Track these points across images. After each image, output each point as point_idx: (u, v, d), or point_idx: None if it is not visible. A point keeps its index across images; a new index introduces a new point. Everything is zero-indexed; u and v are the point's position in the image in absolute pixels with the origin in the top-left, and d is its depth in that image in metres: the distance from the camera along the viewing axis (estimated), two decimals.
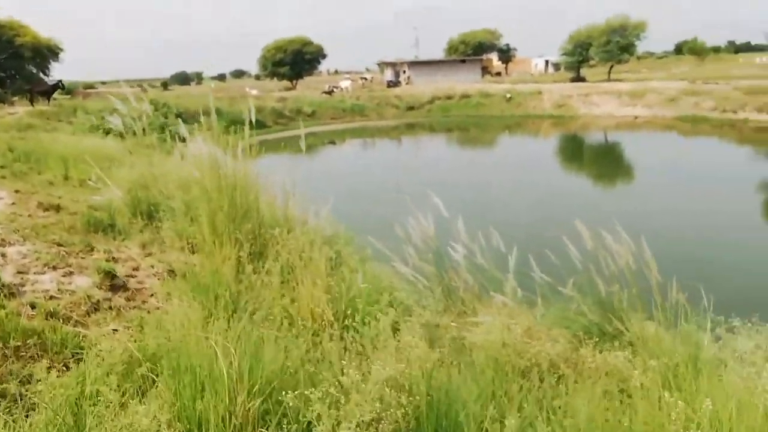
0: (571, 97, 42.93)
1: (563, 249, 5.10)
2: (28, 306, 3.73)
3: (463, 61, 68.74)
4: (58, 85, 28.38)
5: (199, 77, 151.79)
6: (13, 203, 7.26)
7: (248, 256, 4.54)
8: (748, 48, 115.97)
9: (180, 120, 25.81)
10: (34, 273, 4.33)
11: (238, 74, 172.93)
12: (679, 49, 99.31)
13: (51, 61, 35.36)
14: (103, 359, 2.90)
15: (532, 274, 5.30)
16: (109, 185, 7.60)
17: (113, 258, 4.94)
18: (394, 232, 5.45)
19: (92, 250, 5.15)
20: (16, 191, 8.28)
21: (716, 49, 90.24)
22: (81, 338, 3.42)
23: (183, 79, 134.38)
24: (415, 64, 66.12)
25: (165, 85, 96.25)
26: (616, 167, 27.51)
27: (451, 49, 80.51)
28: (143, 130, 8.13)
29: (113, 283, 4.30)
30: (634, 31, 49.69)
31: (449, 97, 45.08)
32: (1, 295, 3.76)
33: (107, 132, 20.65)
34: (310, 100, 41.49)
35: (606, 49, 49.77)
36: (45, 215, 6.90)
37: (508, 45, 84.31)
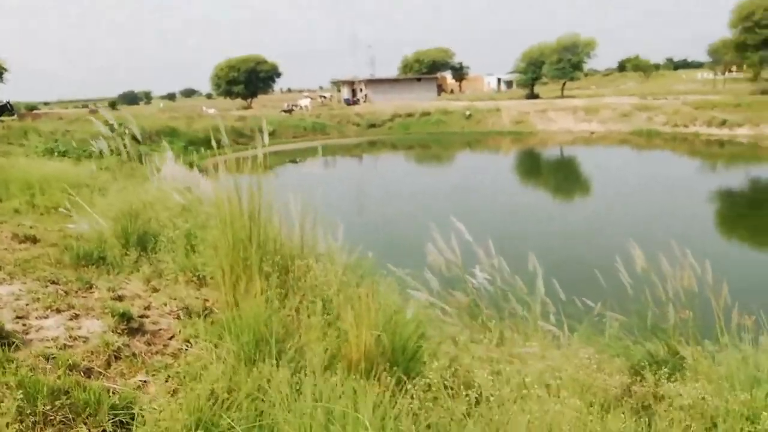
0: (528, 114, 43.82)
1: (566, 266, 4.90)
2: (41, 358, 3.22)
3: (419, 80, 69.50)
4: (6, 107, 26.90)
5: (147, 97, 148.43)
6: None
7: (276, 291, 4.13)
8: (685, 65, 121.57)
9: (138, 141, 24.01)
10: (36, 318, 3.81)
11: (189, 93, 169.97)
12: (622, 67, 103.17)
13: None
14: (157, 425, 2.46)
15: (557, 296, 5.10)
16: (90, 213, 7.03)
17: (118, 296, 4.43)
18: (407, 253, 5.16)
19: (91, 287, 4.63)
20: None
21: (656, 66, 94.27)
22: (114, 395, 2.95)
23: (131, 98, 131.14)
24: (371, 82, 66.43)
25: (113, 105, 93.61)
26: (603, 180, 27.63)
27: (406, 67, 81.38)
28: (127, 153, 7.56)
29: (128, 326, 3.82)
30: (584, 49, 51.32)
31: (410, 115, 45.31)
32: (5, 347, 3.24)
33: (63, 154, 19.67)
34: (270, 119, 40.87)
35: (558, 66, 51.21)
36: (22, 248, 6.28)
37: (461, 63, 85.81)
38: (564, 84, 53.92)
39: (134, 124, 7.62)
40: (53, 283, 4.61)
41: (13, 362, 3.08)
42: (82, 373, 3.17)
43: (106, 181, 11.21)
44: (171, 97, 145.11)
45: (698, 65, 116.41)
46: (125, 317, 3.79)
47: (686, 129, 37.13)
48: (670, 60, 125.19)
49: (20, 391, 2.68)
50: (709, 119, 36.48)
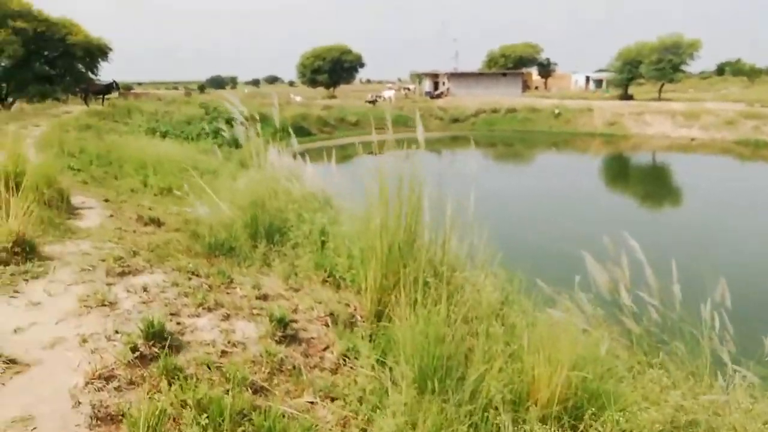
0: (622, 116, 41.63)
1: None
2: (205, 367, 2.94)
3: (504, 75, 67.79)
4: (113, 86, 28.08)
5: (233, 82, 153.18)
6: (111, 215, 6.57)
7: (435, 308, 3.70)
8: None
9: (231, 125, 24.40)
10: (188, 315, 3.56)
11: (272, 80, 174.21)
12: (721, 71, 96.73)
13: (100, 60, 35.30)
14: None
15: None
16: (206, 198, 6.88)
17: (263, 296, 4.15)
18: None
19: (232, 281, 4.37)
20: (106, 200, 7.63)
21: (760, 71, 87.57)
22: (291, 420, 2.62)
23: (218, 83, 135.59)
24: (454, 75, 65.37)
25: (202, 88, 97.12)
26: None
27: (491, 61, 79.59)
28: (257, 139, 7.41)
29: (284, 333, 3.50)
30: (687, 50, 48.17)
31: (495, 111, 44.13)
32: (170, 353, 2.98)
33: (164, 135, 20.21)
34: (354, 110, 40.90)
35: (658, 67, 48.30)
36: (148, 231, 6.20)
37: (548, 59, 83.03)
38: (662, 86, 50.89)
39: (276, 113, 7.46)
40: (194, 274, 4.40)
41: (180, 372, 2.80)
42: (249, 389, 2.85)
43: (216, 165, 11.21)
44: (255, 83, 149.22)
45: None
46: (282, 323, 3.47)
47: None
48: None
49: (204, 415, 2.37)
50: None
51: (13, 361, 2.82)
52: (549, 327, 3.25)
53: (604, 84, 75.87)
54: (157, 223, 6.58)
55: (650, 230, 16.42)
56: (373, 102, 44.99)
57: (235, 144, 24.57)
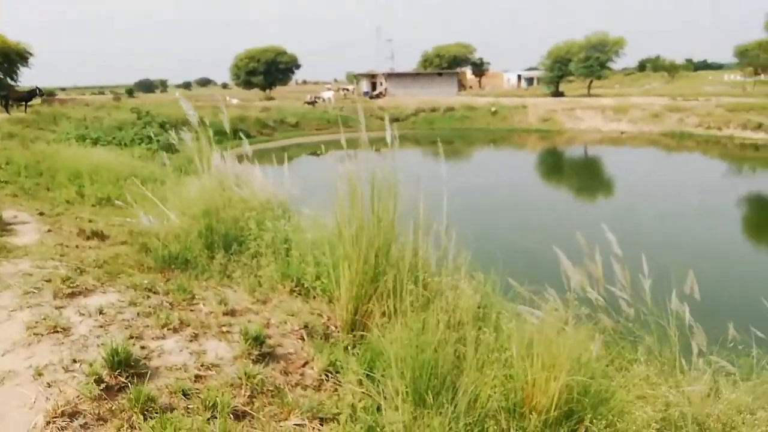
0: (555, 112, 42.93)
1: None
2: (180, 396, 2.67)
3: (440, 74, 68.63)
4: (35, 92, 26.48)
5: (163, 85, 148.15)
6: (50, 230, 6.07)
7: (418, 315, 3.55)
8: (705, 66, 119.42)
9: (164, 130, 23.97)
10: (153, 338, 3.26)
11: (204, 82, 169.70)
12: (642, 67, 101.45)
13: (20, 66, 33.29)
14: None
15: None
16: (151, 207, 6.49)
17: (231, 311, 3.88)
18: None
19: (193, 297, 4.08)
20: (41, 213, 7.07)
21: (678, 67, 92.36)
22: None
23: (147, 86, 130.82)
24: (392, 75, 65.66)
25: (130, 92, 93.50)
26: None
27: (426, 62, 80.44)
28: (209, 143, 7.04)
29: (261, 351, 3.26)
30: (613, 48, 50.26)
31: (434, 110, 44.58)
32: (138, 382, 2.70)
33: (95, 142, 19.20)
34: (294, 111, 40.33)
35: (586, 64, 50.18)
36: (92, 245, 5.76)
37: (481, 59, 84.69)
38: (591, 82, 52.90)
39: (225, 117, 7.04)
40: (151, 292, 4.07)
41: (153, 402, 2.53)
42: (231, 415, 2.61)
43: (156, 172, 10.66)
44: (187, 86, 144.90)
45: (718, 67, 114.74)
46: (258, 341, 3.23)
47: (720, 132, 36.11)
48: (689, 61, 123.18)
49: None
50: (744, 122, 35.45)
51: None
52: (537, 330, 3.16)
53: (535, 82, 78.21)
54: (100, 236, 6.13)
55: (587, 221, 16.90)
56: (313, 103, 44.51)
57: (171, 149, 23.60)
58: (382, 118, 41.17)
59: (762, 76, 59.19)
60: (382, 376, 3.02)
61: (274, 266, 4.80)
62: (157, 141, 22.98)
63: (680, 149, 36.35)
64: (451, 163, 34.66)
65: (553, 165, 33.28)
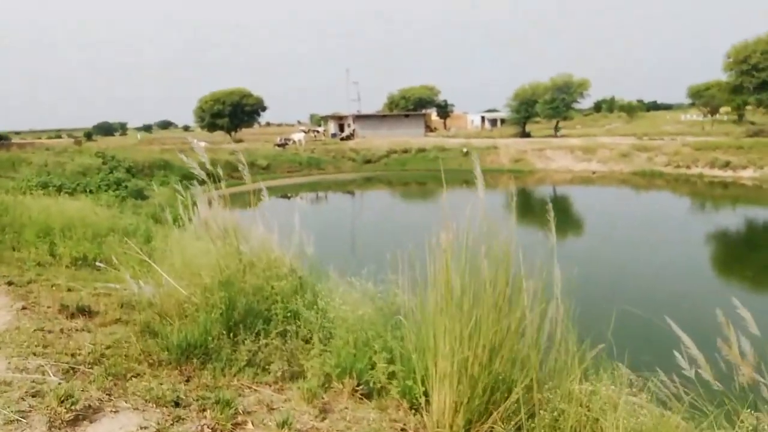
0: (526, 152, 43.18)
1: None
2: None
3: (407, 116, 69.06)
4: None
5: (123, 128, 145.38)
6: (24, 307, 4.92)
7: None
8: (656, 106, 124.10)
9: (132, 175, 22.51)
10: None
11: (165, 125, 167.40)
12: (597, 107, 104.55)
13: None
14: None
15: None
16: (158, 274, 5.40)
17: (286, 423, 2.86)
18: None
19: (236, 412, 3.03)
20: (9, 283, 5.88)
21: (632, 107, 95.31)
22: None
23: (106, 129, 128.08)
24: (359, 117, 65.65)
25: (89, 135, 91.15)
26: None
27: (392, 103, 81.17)
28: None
29: None
30: (578, 89, 51.36)
31: (405, 151, 44.28)
32: None
33: (59, 189, 17.81)
34: (264, 153, 39.37)
35: (552, 105, 51.03)
36: (78, 326, 4.63)
37: (445, 101, 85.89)
38: (557, 123, 53.78)
39: (206, 158, 5.95)
40: (179, 405, 3.02)
41: None
42: None
43: (140, 225, 9.52)
44: (147, 128, 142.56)
45: (667, 107, 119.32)
46: None
47: (689, 170, 36.74)
48: (641, 101, 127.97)
49: None
50: (712, 160, 36.18)
51: None
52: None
53: (498, 123, 79.53)
54: (87, 313, 5.00)
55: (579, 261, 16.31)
56: (283, 145, 43.67)
57: (140, 195, 22.15)
58: (354, 160, 40.91)
59: (718, 116, 61.37)
60: None
61: (324, 356, 3.77)
62: (125, 187, 21.69)
63: (650, 187, 36.78)
64: (430, 204, 34.14)
65: (528, 205, 33.08)
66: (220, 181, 6.27)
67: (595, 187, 37.47)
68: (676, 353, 3.33)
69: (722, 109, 60.30)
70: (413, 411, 3.24)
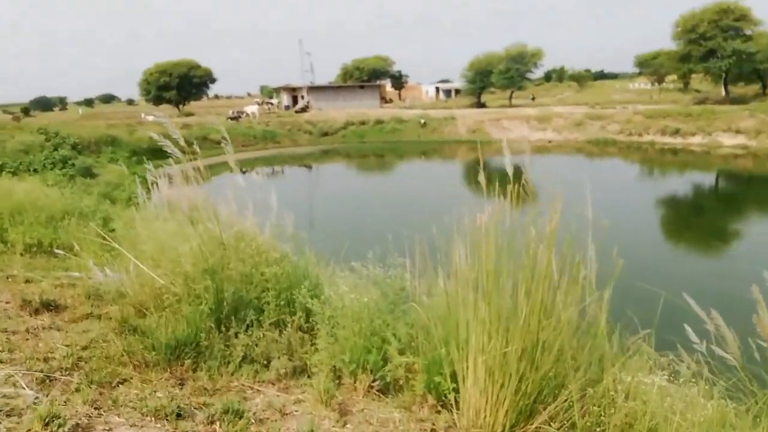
0: (483, 123, 43.26)
1: None
2: None
3: (362, 87, 68.16)
4: None
5: (62, 102, 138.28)
6: None
7: None
8: (603, 75, 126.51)
9: (78, 152, 21.40)
10: None
11: (108, 99, 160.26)
12: (548, 77, 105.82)
13: None
14: None
15: None
16: (129, 260, 4.92)
17: None
18: None
19: (240, 415, 2.69)
20: None
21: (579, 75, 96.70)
22: None
23: (45, 104, 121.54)
24: (313, 89, 64.40)
25: (26, 111, 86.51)
26: None
27: (346, 74, 79.93)
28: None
29: None
30: (532, 59, 51.60)
31: (363, 123, 43.67)
32: None
33: (0, 169, 16.64)
34: (217, 127, 38.05)
35: (507, 76, 51.16)
36: (46, 323, 4.15)
37: (399, 72, 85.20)
38: (512, 93, 54.05)
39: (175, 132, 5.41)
40: (181, 417, 2.65)
41: None
42: None
43: (99, 207, 8.86)
44: (89, 103, 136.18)
45: (614, 76, 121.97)
46: None
47: (641, 138, 37.60)
48: (588, 71, 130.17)
49: None
50: (663, 128, 37.09)
51: None
52: None
53: (453, 93, 79.50)
54: (53, 307, 4.50)
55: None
56: (236, 118, 42.37)
57: (89, 174, 20.99)
58: (310, 132, 40.10)
59: (664, 84, 62.94)
60: None
61: (333, 347, 3.43)
62: (72, 165, 20.48)
63: (603, 155, 37.51)
64: (391, 177, 33.85)
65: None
66: (167, 157, 5.66)
67: (552, 155, 37.93)
68: (688, 328, 3.17)
69: (668, 78, 61.89)
70: (440, 408, 2.97)
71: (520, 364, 2.43)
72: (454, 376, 2.82)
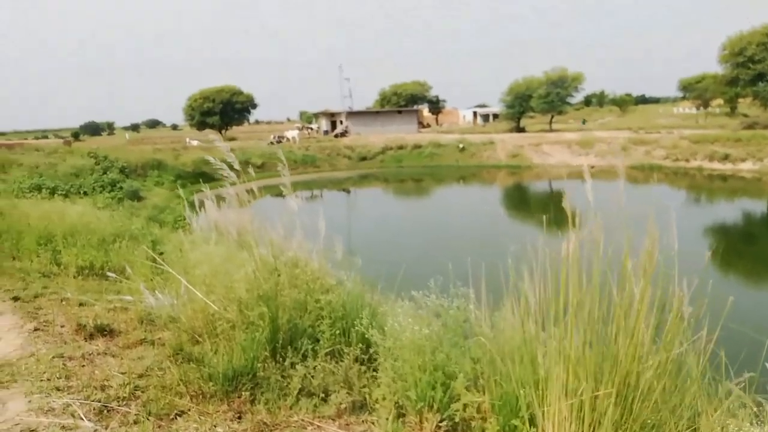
0: (523, 147, 42.81)
1: None
2: None
3: (399, 112, 68.47)
4: None
5: (110, 127, 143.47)
6: (36, 329, 4.37)
7: None
8: (644, 100, 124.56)
9: (125, 175, 21.77)
10: None
11: (153, 124, 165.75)
12: (587, 102, 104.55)
13: None
14: None
15: None
16: (183, 285, 4.86)
17: None
18: None
19: None
20: (15, 298, 5.33)
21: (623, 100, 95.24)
22: None
23: (93, 129, 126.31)
24: (352, 114, 64.98)
25: (76, 135, 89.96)
26: None
27: (384, 100, 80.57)
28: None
29: None
30: (572, 83, 51.04)
31: (401, 147, 43.76)
32: None
33: (52, 192, 17.14)
34: (259, 151, 38.68)
35: (547, 100, 50.68)
36: (99, 350, 4.10)
37: (437, 97, 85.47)
38: (552, 118, 53.48)
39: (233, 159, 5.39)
40: None
41: None
42: None
43: (152, 230, 8.94)
44: (135, 128, 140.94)
45: (655, 100, 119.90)
46: None
47: (687, 164, 36.53)
48: (629, 95, 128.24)
49: None
50: (711, 153, 35.98)
51: None
52: None
53: (491, 118, 79.25)
54: (108, 332, 4.47)
55: None
56: (278, 143, 43.00)
57: (136, 197, 21.40)
58: (349, 157, 40.46)
59: (710, 109, 61.35)
60: None
61: (397, 384, 3.26)
62: (120, 188, 21.00)
63: (647, 181, 36.52)
64: (430, 202, 33.68)
65: (536, 203, 32.73)
66: (213, 180, 5.63)
67: (595, 181, 37.14)
68: None
69: (713, 102, 60.33)
70: None
71: (615, 410, 2.21)
72: (532, 420, 2.61)
